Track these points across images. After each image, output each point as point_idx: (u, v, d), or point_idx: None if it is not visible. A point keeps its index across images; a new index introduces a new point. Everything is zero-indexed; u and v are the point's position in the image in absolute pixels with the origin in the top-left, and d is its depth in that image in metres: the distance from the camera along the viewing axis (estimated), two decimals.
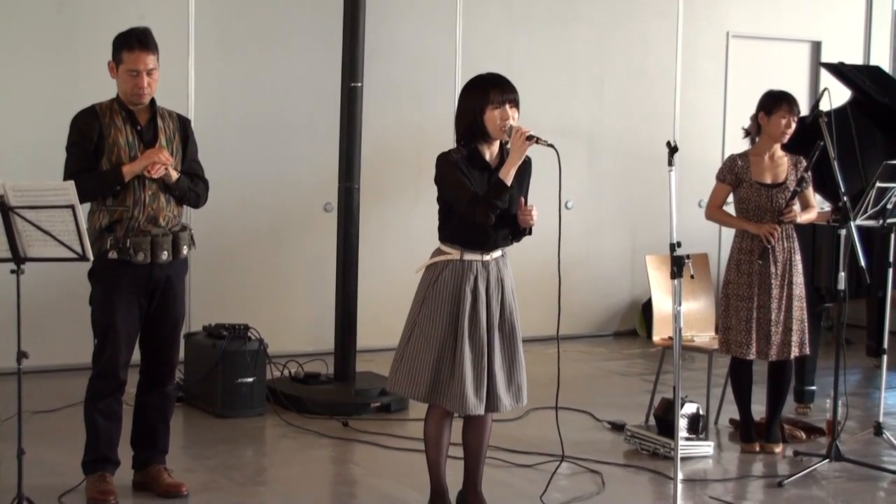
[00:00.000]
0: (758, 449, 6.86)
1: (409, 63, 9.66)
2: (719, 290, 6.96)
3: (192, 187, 5.66)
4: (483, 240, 5.25)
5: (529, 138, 5.09)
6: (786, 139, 6.71)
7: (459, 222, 5.24)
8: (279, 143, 9.19)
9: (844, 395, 6.68)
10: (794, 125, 6.69)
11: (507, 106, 5.18)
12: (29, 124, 8.29)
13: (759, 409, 7.06)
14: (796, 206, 6.68)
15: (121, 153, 5.43)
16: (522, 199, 5.26)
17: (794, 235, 6.75)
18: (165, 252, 5.53)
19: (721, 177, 6.83)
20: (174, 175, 5.50)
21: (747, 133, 6.91)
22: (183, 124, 5.72)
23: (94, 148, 5.44)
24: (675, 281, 5.30)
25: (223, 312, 8.16)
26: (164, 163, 5.42)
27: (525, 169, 5.31)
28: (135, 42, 5.42)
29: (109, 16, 8.28)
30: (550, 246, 5.31)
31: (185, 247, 5.65)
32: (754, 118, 6.81)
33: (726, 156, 7.39)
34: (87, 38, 8.31)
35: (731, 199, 6.89)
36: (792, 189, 6.65)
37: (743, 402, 6.91)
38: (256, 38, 9.11)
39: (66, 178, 5.38)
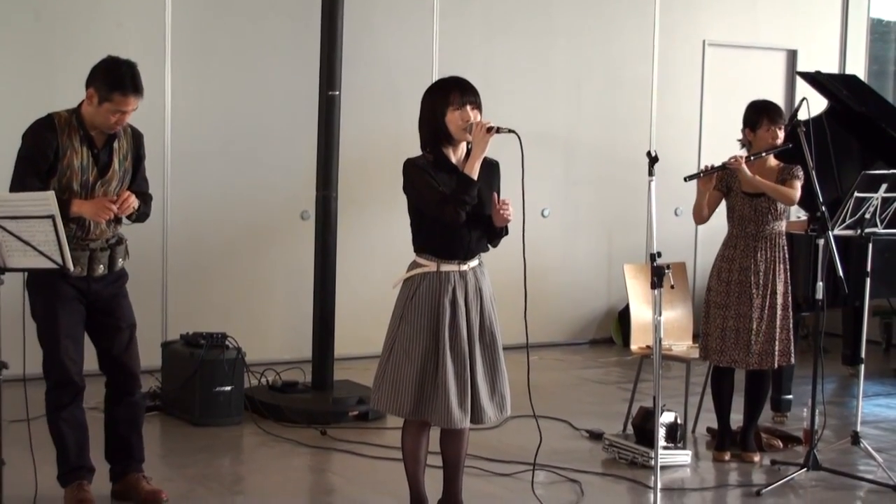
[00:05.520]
0: (727, 458, 6.87)
1: (386, 72, 9.66)
2: (696, 298, 6.96)
3: (142, 209, 5.63)
4: (458, 246, 5.22)
5: (490, 129, 5.10)
6: (778, 145, 6.71)
7: (431, 229, 5.21)
8: (256, 151, 9.17)
9: (822, 404, 6.70)
10: (780, 133, 6.71)
11: (469, 107, 5.16)
12: (3, 132, 8.22)
13: (737, 419, 7.08)
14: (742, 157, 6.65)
15: (73, 176, 5.39)
16: (495, 196, 5.24)
17: (781, 245, 6.74)
18: (101, 265, 5.53)
19: (714, 184, 6.82)
20: (127, 213, 5.47)
21: (743, 144, 6.91)
22: (136, 141, 5.67)
23: (47, 167, 5.37)
24: (656, 291, 5.32)
25: (201, 321, 8.13)
26: (113, 214, 5.39)
27: (493, 171, 5.32)
28: (129, 85, 5.33)
29: (87, 24, 8.28)
30: (525, 252, 5.25)
31: (120, 259, 5.65)
32: (744, 131, 6.83)
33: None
34: (65, 46, 8.28)
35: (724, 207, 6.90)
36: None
37: (722, 410, 6.93)
38: (234, 47, 9.09)
39: (12, 188, 5.33)
